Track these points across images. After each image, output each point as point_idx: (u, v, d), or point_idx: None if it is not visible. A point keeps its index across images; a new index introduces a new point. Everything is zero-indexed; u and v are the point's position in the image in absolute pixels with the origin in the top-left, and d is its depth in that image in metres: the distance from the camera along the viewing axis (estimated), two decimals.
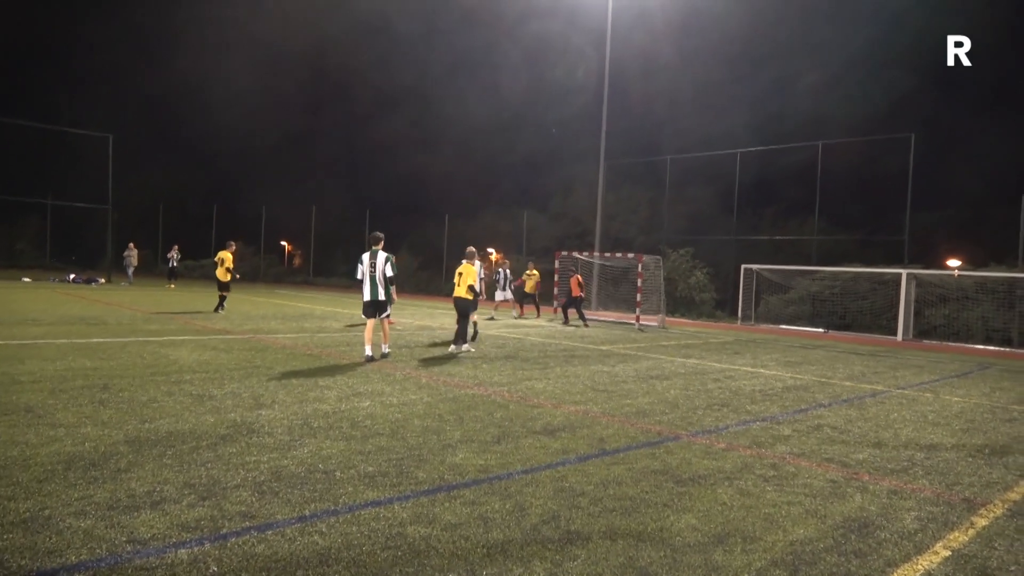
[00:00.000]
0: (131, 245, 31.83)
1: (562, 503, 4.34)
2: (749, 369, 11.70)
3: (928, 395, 9.90)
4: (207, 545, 3.43)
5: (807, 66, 38.80)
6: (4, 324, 12.64)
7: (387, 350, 10.94)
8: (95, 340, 11.05)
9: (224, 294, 18.21)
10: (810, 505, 4.60)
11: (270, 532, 3.63)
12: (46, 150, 39.28)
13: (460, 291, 12.09)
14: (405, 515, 3.99)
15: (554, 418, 6.90)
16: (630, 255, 21.59)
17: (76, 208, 35.58)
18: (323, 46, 55.40)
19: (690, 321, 25.26)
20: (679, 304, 27.80)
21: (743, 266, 25.32)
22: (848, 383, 10.66)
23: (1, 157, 37.53)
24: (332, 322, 16.88)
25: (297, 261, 57.50)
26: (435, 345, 12.77)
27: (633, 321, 20.49)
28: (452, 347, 11.98)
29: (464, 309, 12.09)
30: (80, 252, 41.25)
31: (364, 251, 10.87)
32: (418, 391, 8.02)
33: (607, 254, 23.92)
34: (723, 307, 28.08)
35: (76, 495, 4.03)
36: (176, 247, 31.20)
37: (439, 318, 20.03)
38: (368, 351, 10.35)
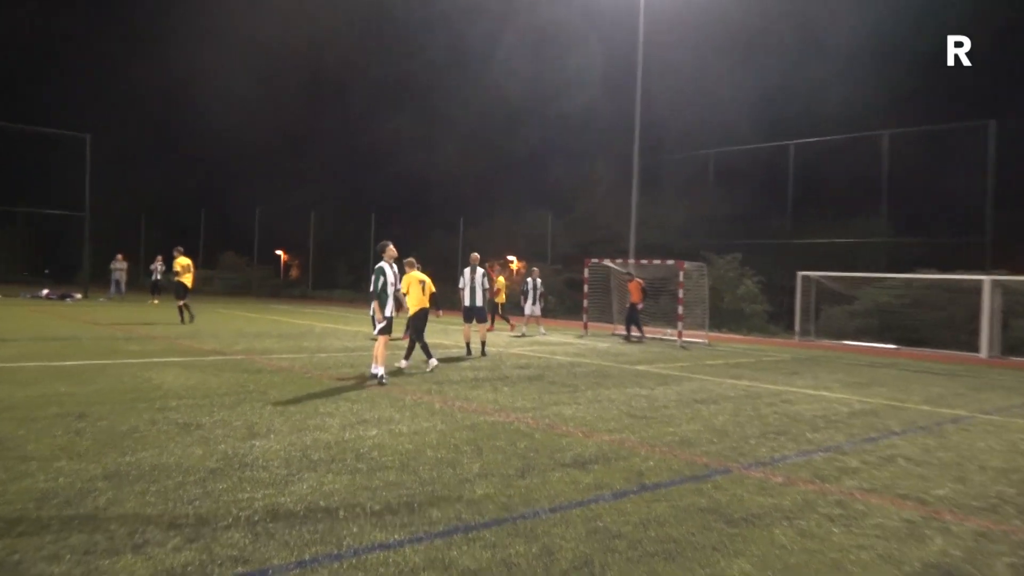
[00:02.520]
0: (119, 256, 32.31)
1: (596, 546, 4.29)
2: (809, 392, 11.56)
3: (1020, 421, 9.70)
4: None
5: (861, 47, 38.51)
6: None
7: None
8: (71, 362, 11.19)
9: (186, 302, 19.77)
10: (883, 549, 4.50)
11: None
12: (18, 152, 40.03)
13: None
14: (417, 560, 3.96)
15: (585, 449, 6.84)
16: (669, 262, 21.47)
17: (51, 216, 36.17)
18: (319, 40, 56.11)
19: (739, 337, 25.05)
20: (726, 317, 27.57)
21: (800, 273, 25.06)
22: (925, 407, 10.48)
23: None
24: (334, 340, 16.96)
25: (295, 272, 58.09)
26: (449, 365, 12.75)
27: (674, 337, 20.37)
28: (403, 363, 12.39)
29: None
30: (54, 265, 41.88)
31: (370, 261, 11.10)
32: (431, 418, 8.01)
33: (643, 261, 23.79)
34: (777, 321, 27.81)
35: (49, 537, 4.05)
36: (160, 258, 31.57)
37: (453, 335, 20.04)
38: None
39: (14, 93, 55.90)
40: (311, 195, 51.80)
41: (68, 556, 3.80)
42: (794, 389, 11.77)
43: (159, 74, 61.40)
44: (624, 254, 26.76)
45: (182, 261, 19.80)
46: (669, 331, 21.58)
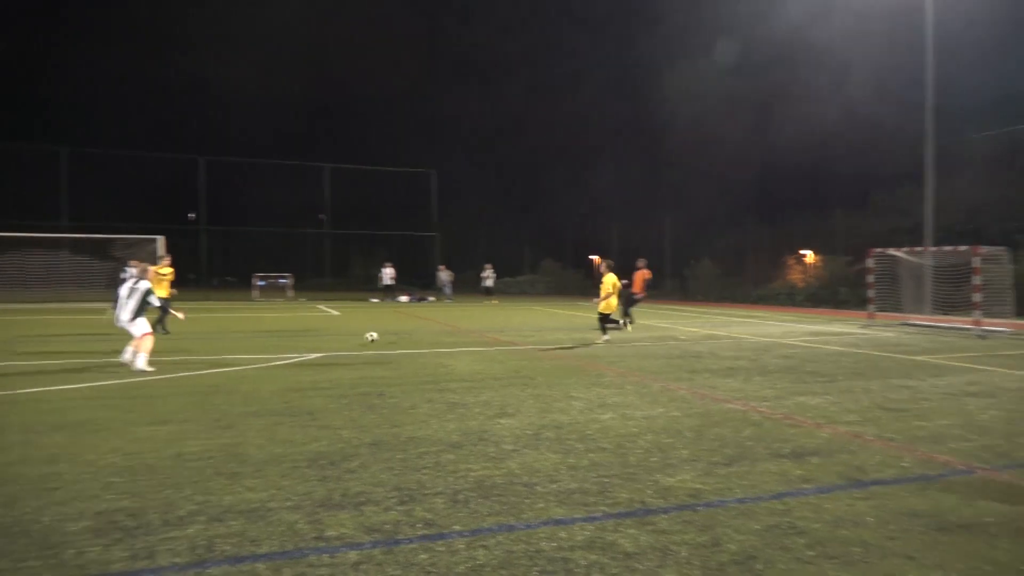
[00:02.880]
0: (442, 267, 35.69)
1: (769, 542, 3.72)
2: None
3: None
4: (377, 549, 3.57)
5: None
6: (333, 336, 14.91)
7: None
8: (396, 351, 12.48)
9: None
10: None
11: (440, 542, 3.67)
12: (378, 188, 45.72)
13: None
14: (581, 538, 3.75)
15: (811, 440, 6.02)
16: (962, 248, 18.22)
17: (409, 236, 41.04)
18: None
19: None
20: None
21: None
22: None
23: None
24: (615, 333, 16.94)
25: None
26: (712, 356, 12.06)
27: (969, 326, 17.24)
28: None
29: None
30: (416, 274, 47.31)
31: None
32: (668, 404, 7.61)
33: (932, 249, 20.47)
34: None
35: (302, 490, 4.51)
36: (490, 266, 34.14)
37: (732, 326, 18.97)
38: None
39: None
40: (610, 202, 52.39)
41: (306, 507, 4.19)
42: None
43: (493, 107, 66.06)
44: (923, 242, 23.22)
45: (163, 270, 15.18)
46: (960, 320, 18.32)
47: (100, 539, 3.65)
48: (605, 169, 54.08)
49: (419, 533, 3.80)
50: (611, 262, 14.69)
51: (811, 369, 10.50)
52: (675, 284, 40.90)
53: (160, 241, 27.42)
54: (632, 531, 3.86)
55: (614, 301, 14.30)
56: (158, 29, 64.94)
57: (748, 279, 38.72)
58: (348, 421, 6.62)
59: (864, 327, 18.98)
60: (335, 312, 24.78)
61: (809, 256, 39.96)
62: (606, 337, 14.29)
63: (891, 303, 21.55)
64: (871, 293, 21.06)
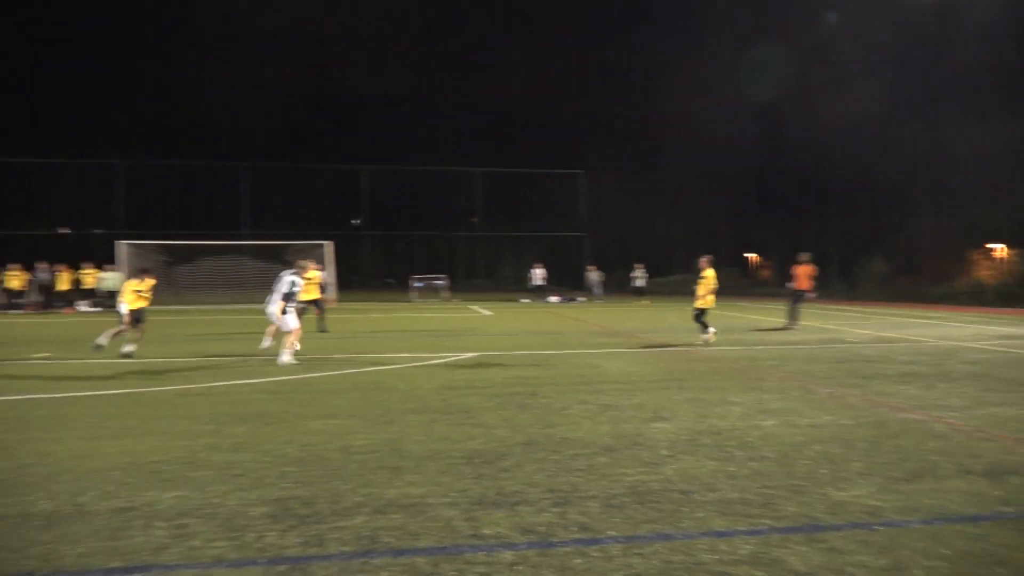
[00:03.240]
0: (591, 267, 35.50)
1: (964, 571, 3.34)
2: None
3: None
4: (532, 550, 3.57)
5: None
6: (486, 336, 15.26)
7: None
8: (548, 352, 12.55)
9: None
10: None
11: (594, 547, 3.61)
12: (525, 190, 46.34)
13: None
14: (744, 552, 3.54)
15: (1009, 457, 5.37)
16: None
17: (559, 237, 41.39)
18: None
19: None
20: None
21: None
22: None
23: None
24: (774, 335, 16.09)
25: (765, 273, 56.63)
26: (885, 360, 11.12)
27: None
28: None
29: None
30: (564, 275, 47.53)
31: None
32: (837, 412, 7.09)
33: None
34: None
35: (458, 487, 4.61)
36: (642, 266, 33.61)
37: (906, 328, 17.43)
38: None
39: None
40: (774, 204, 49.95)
41: (463, 503, 4.27)
42: None
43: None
44: None
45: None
46: None
47: (277, 524, 3.92)
48: (759, 164, 51.66)
49: (573, 536, 3.76)
50: (711, 257, 14.02)
51: (1006, 376, 9.41)
52: (841, 283, 38.28)
53: (327, 246, 29.38)
54: (801, 548, 3.60)
55: (711, 298, 13.73)
56: (328, 49, 69.63)
57: (925, 277, 35.53)
58: (502, 420, 6.71)
59: None
60: (487, 312, 25.40)
61: (999, 250, 36.01)
62: (705, 336, 13.58)
63: None
64: None
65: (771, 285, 47.24)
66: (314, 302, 15.30)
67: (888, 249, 36.94)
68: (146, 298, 11.98)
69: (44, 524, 3.92)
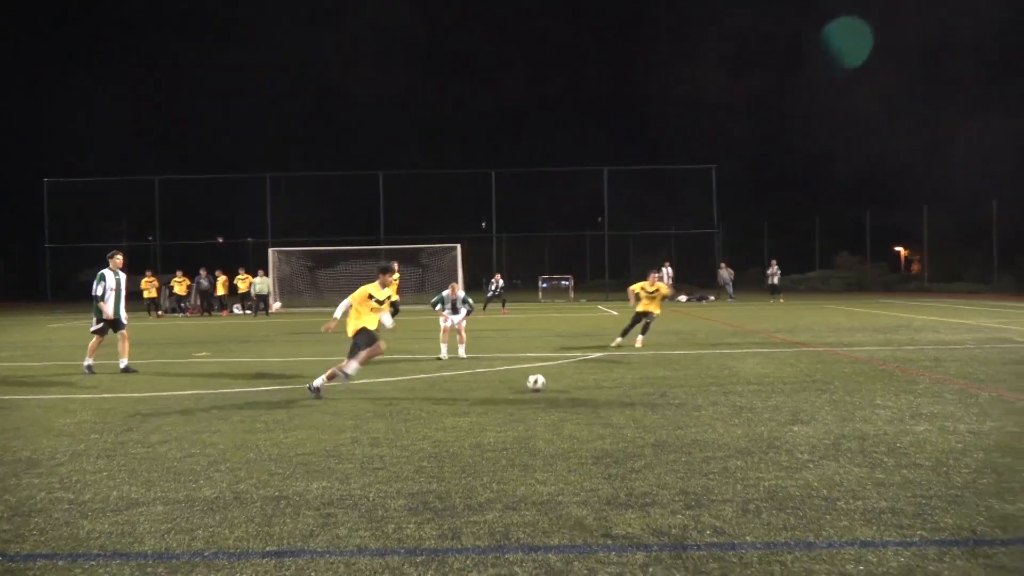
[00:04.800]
0: (723, 264, 34.32)
1: None
2: None
3: None
4: (665, 552, 3.51)
5: None
6: (613, 336, 15.12)
7: None
8: (677, 352, 12.29)
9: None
10: None
11: (731, 552, 3.50)
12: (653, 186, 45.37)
13: None
14: (895, 564, 3.32)
15: None
16: None
17: (689, 234, 40.31)
18: None
19: None
20: None
21: None
22: None
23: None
24: (930, 334, 14.93)
25: (915, 267, 52.65)
26: None
27: None
28: None
29: None
30: (696, 274, 46.23)
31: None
32: (1003, 418, 6.49)
33: None
34: None
35: (588, 486, 4.61)
36: (774, 261, 32.19)
37: None
38: None
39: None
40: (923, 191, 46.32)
41: (593, 503, 4.27)
42: None
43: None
44: None
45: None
46: None
47: (415, 517, 4.08)
48: (906, 146, 47.96)
49: (708, 540, 3.67)
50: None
51: None
52: (1008, 276, 34.86)
53: (458, 249, 30.22)
54: (961, 563, 3.33)
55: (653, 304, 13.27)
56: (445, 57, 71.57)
57: None
58: (631, 420, 6.65)
59: None
60: (614, 312, 25.17)
61: None
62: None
63: None
64: None
65: (919, 279, 43.84)
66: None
67: None
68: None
69: (207, 508, 4.30)
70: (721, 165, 36.17)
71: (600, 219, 45.01)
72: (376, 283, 8.30)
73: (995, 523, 3.85)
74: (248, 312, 27.67)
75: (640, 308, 13.28)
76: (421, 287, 30.53)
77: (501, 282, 26.11)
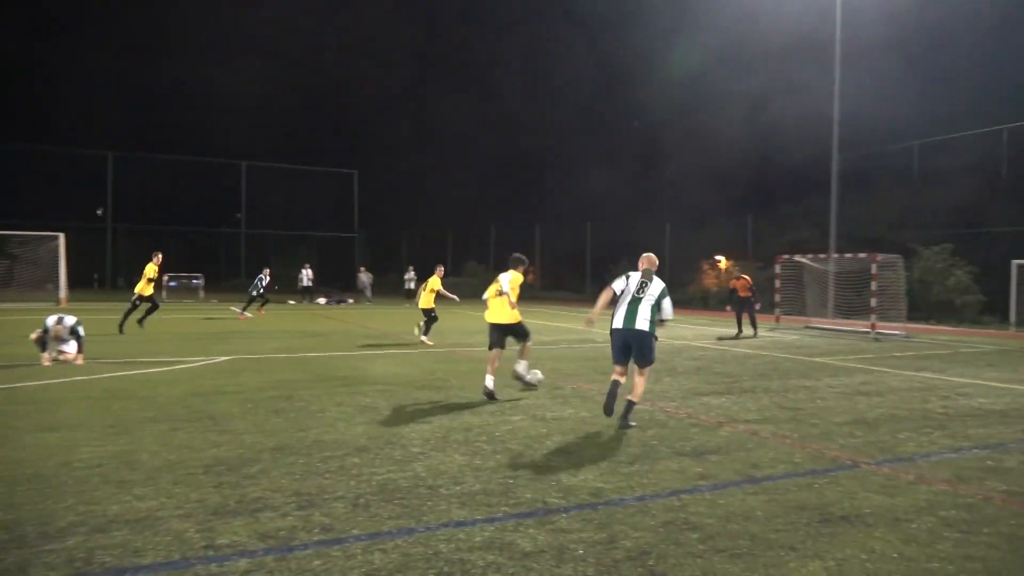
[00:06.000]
0: (362, 269, 35.21)
1: (663, 538, 3.82)
2: (998, 385, 9.74)
3: None
4: (270, 556, 3.48)
5: None
6: (240, 339, 14.47)
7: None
8: (311, 354, 12.20)
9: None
10: (997, 564, 3.58)
11: (336, 548, 3.60)
12: (301, 188, 44.72)
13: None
14: (480, 539, 3.75)
15: (712, 439, 6.21)
16: (861, 255, 19.27)
17: (328, 237, 40.31)
18: None
19: (948, 328, 21.89)
20: (935, 310, 24.28)
21: (1015, 262, 21.41)
22: None
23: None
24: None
25: (531, 277, 59.81)
26: None
27: (867, 329, 18.22)
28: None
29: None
30: (333, 277, 46.40)
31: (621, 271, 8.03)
32: (580, 405, 7.72)
33: (835, 256, 21.57)
34: (992, 312, 23.97)
35: (195, 497, 4.34)
36: (411, 268, 33.86)
37: None
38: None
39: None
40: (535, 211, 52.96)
41: (198, 514, 4.03)
42: (980, 382, 9.98)
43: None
44: (827, 249, 24.41)
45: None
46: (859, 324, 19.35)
47: None
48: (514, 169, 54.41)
49: (315, 539, 3.72)
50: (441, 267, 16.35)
51: (719, 371, 10.86)
52: (595, 285, 41.56)
53: (61, 239, 26.01)
54: (532, 531, 3.89)
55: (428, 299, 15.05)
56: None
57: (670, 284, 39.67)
58: (252, 426, 6.42)
59: (771, 330, 19.76)
60: (248, 314, 24.03)
61: (723, 262, 41.36)
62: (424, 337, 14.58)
63: (797, 307, 22.57)
64: (778, 298, 21.99)
65: (534, 288, 50.04)
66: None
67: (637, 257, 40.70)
68: None
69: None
70: (370, 171, 36.92)
71: (239, 216, 42.61)
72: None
73: (561, 494, 4.56)
74: None
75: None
76: (7, 282, 25.55)
77: (267, 279, 22.91)
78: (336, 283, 40.85)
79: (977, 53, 35.18)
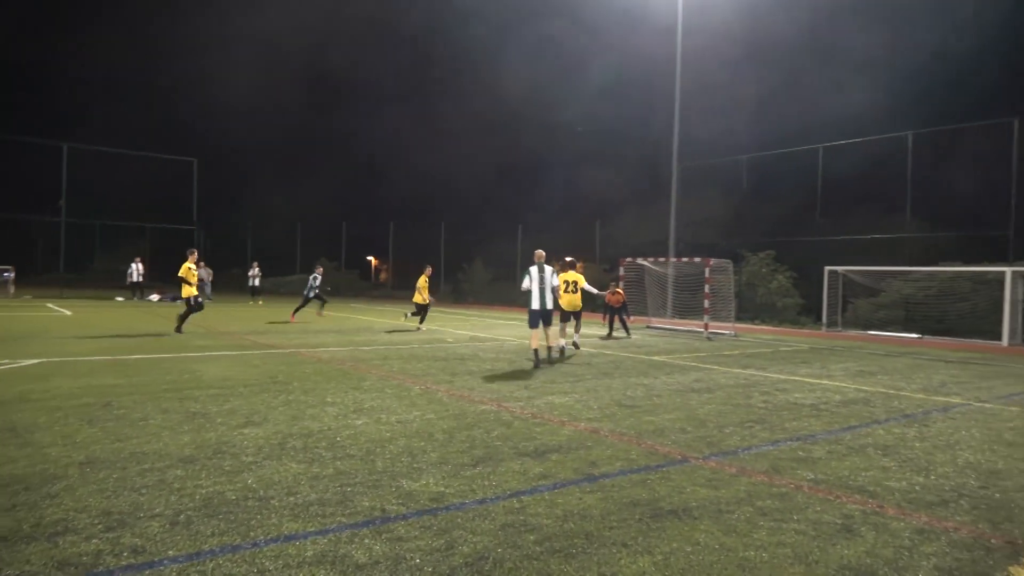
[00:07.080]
0: (201, 263, 33.13)
1: (501, 540, 3.81)
2: (811, 380, 10.69)
3: (1014, 409, 8.68)
4: None
5: (882, 55, 36.37)
6: (54, 339, 13.13)
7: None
8: (135, 356, 11.26)
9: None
10: (804, 548, 3.87)
11: (147, 571, 3.29)
12: (135, 175, 41.38)
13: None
14: (311, 553, 3.56)
15: (555, 438, 6.33)
16: (696, 259, 20.59)
17: (166, 230, 37.49)
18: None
19: (770, 328, 23.89)
20: (761, 310, 26.45)
21: (827, 268, 23.74)
22: (920, 395, 9.52)
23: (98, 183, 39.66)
24: (383, 335, 16.78)
25: (384, 276, 58.80)
26: (475, 358, 12.35)
27: (701, 329, 19.48)
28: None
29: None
30: (167, 272, 43.36)
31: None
32: (426, 407, 7.62)
33: (673, 260, 22.93)
34: (809, 313, 26.45)
35: None
36: (256, 264, 32.26)
37: (496, 329, 19.64)
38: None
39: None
40: (391, 207, 52.26)
41: None
42: (795, 378, 10.92)
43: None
44: (667, 253, 25.83)
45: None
46: (695, 323, 20.69)
47: None
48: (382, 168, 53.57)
49: (123, 563, 3.37)
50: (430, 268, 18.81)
51: (564, 370, 11.14)
52: (448, 286, 41.63)
53: None
54: (367, 541, 3.75)
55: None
56: None
57: (518, 283, 40.45)
58: (59, 437, 5.79)
59: (617, 330, 20.61)
60: (67, 312, 21.90)
61: (581, 266, 42.74)
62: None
63: (639, 308, 23.72)
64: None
65: (388, 287, 49.32)
66: None
67: (490, 257, 41.18)
68: None
69: None
70: (206, 160, 34.67)
71: (60, 203, 38.66)
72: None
73: (401, 500, 4.45)
74: None
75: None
76: None
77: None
78: (170, 278, 38.07)
79: (806, 78, 38.82)
